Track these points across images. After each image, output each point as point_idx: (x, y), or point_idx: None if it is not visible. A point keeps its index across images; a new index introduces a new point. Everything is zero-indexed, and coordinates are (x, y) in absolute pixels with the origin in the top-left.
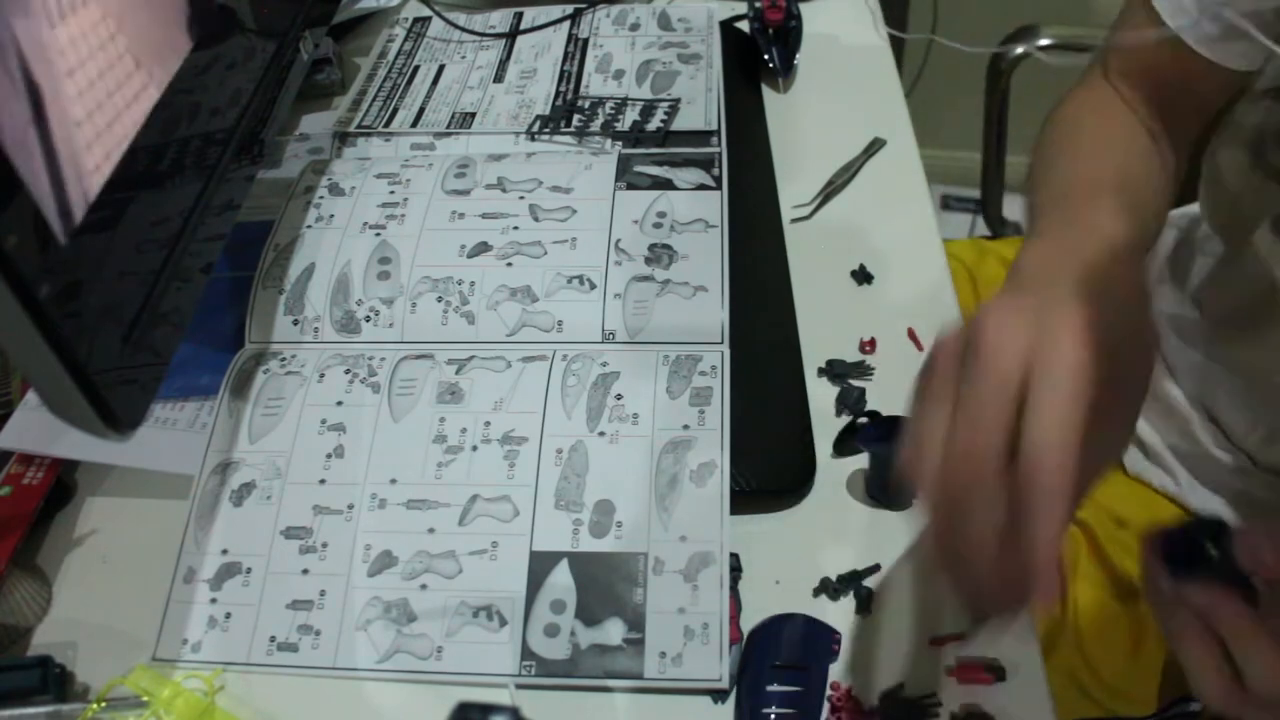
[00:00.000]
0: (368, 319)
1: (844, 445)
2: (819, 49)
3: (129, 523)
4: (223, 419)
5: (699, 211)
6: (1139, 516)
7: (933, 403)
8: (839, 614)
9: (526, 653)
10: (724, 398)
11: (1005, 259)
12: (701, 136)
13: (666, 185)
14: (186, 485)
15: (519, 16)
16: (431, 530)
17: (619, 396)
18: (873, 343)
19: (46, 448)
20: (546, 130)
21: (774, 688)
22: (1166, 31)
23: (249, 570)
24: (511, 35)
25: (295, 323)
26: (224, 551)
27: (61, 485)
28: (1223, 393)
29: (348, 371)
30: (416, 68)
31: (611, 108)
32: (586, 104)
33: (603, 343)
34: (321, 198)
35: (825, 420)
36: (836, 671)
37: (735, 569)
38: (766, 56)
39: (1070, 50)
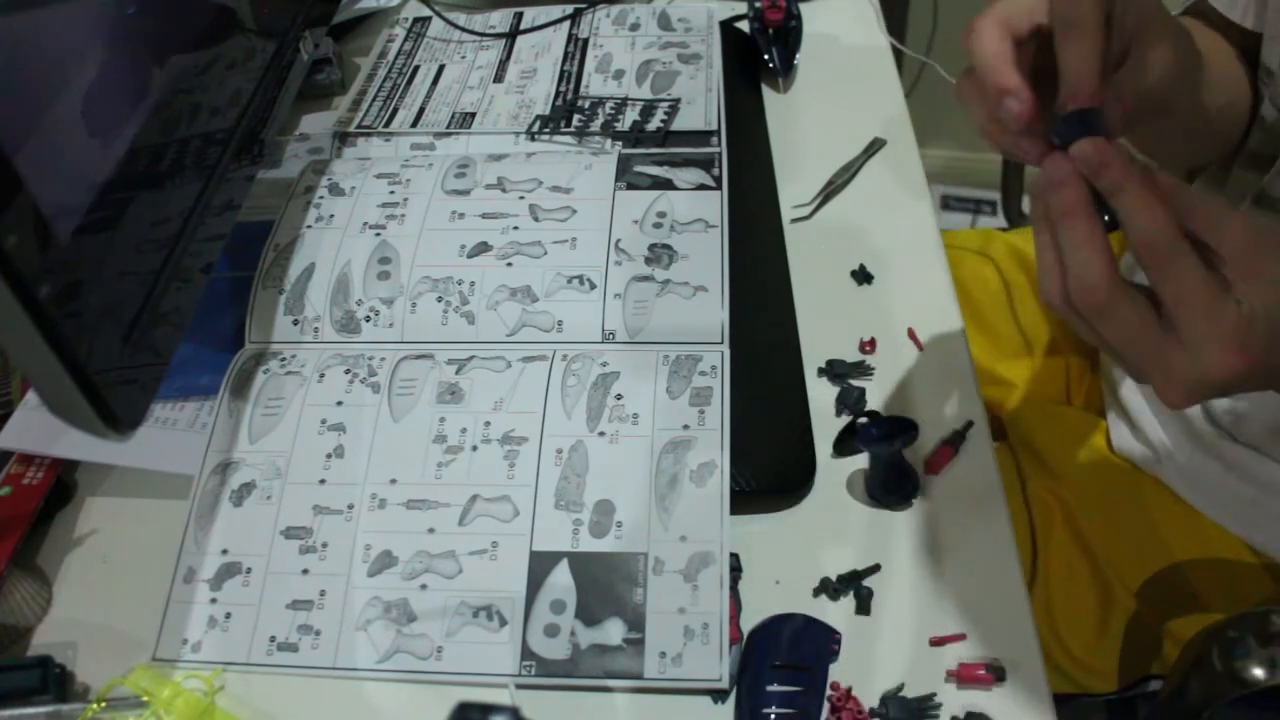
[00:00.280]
0: (368, 319)
1: (844, 445)
2: (819, 49)
3: (129, 523)
4: (223, 419)
5: (699, 211)
6: (1117, 495)
7: None
8: (839, 614)
9: (526, 653)
10: (724, 398)
11: (1011, 244)
12: (701, 136)
13: (666, 185)
14: (186, 485)
15: (519, 16)
16: (431, 530)
17: (619, 396)
18: (873, 343)
19: (46, 448)
20: (546, 130)
21: (774, 688)
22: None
23: (249, 570)
24: (511, 35)
25: (295, 323)
26: (224, 551)
27: (61, 485)
28: None
29: (348, 371)
30: (416, 68)
31: (611, 108)
32: (586, 104)
33: (603, 343)
34: (321, 198)
35: (825, 420)
36: (836, 671)
37: (735, 569)
38: (766, 56)
39: None
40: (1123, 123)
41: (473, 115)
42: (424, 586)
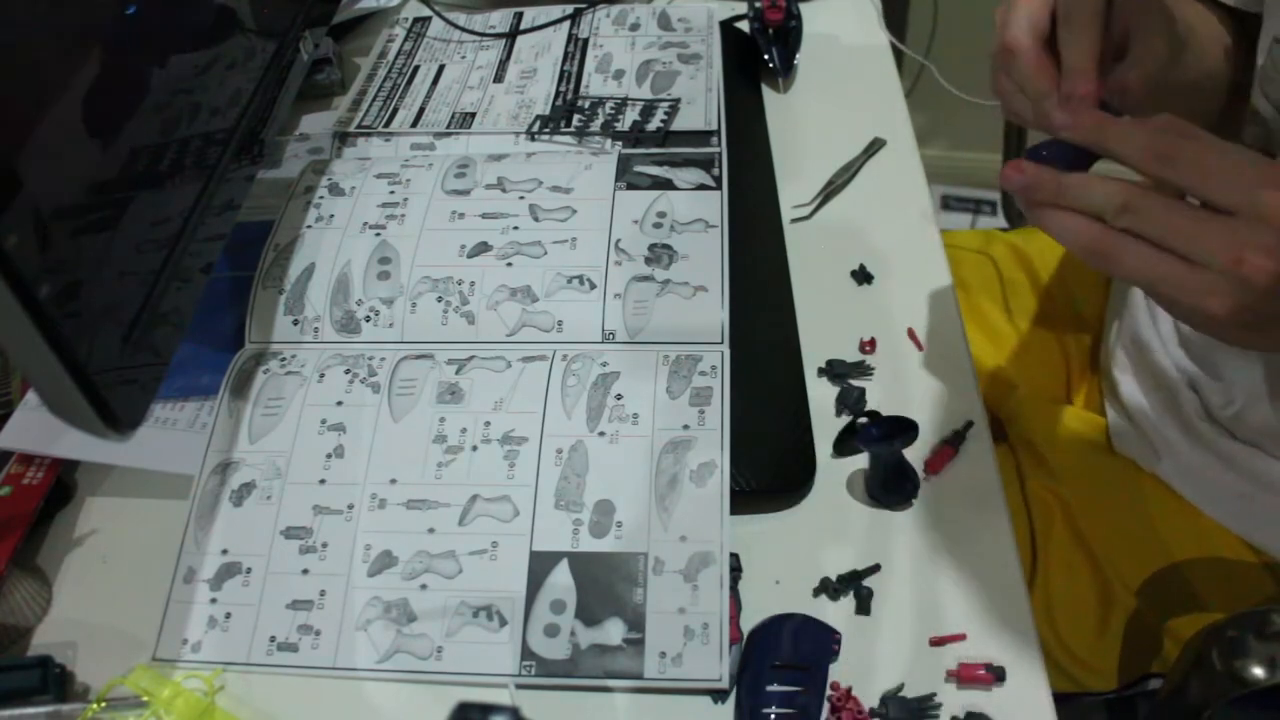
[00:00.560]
0: (368, 319)
1: (844, 445)
2: (819, 49)
3: (129, 523)
4: (223, 419)
5: (699, 211)
6: (1117, 494)
7: None
8: (839, 614)
9: (526, 653)
10: (724, 398)
11: (1011, 243)
12: (701, 136)
13: (666, 185)
14: (186, 485)
15: (519, 16)
16: (431, 530)
17: (619, 396)
18: (873, 343)
19: (46, 448)
20: (546, 130)
21: (774, 688)
22: None
23: (249, 570)
24: (511, 35)
25: (295, 323)
26: (224, 551)
27: (61, 485)
28: (1203, 366)
29: (348, 371)
30: (416, 68)
31: (611, 108)
32: (586, 104)
33: (603, 343)
34: (321, 198)
35: (825, 420)
36: (836, 671)
37: (735, 569)
38: (766, 56)
39: None
40: (1135, 107)
41: (473, 115)
42: (424, 586)
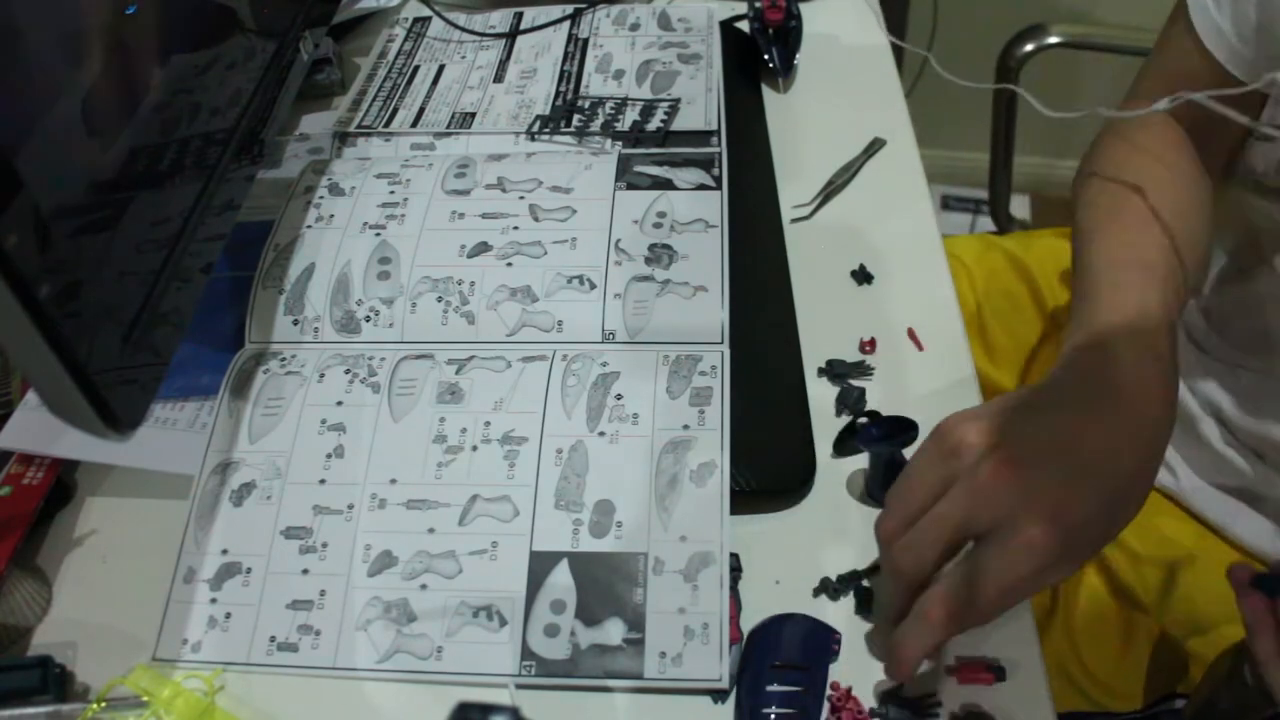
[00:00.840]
0: (368, 319)
1: (844, 445)
2: (819, 49)
3: (129, 523)
4: (223, 419)
5: (699, 211)
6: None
7: (928, 469)
8: (839, 614)
9: (526, 653)
10: (724, 398)
11: (1010, 253)
12: (701, 136)
13: (666, 185)
14: (186, 485)
15: (519, 16)
16: (431, 530)
17: (619, 396)
18: (873, 343)
19: (46, 448)
20: (546, 130)
21: (774, 688)
22: (1177, 99)
23: (249, 570)
24: (511, 35)
25: (295, 323)
26: (224, 551)
27: (61, 485)
28: (1229, 391)
29: (348, 371)
30: (416, 68)
31: (611, 108)
32: (586, 104)
33: (603, 343)
34: (321, 198)
35: (825, 420)
36: (836, 671)
37: (735, 569)
38: (766, 56)
39: (1079, 48)
40: None
41: (473, 115)
42: (424, 586)
